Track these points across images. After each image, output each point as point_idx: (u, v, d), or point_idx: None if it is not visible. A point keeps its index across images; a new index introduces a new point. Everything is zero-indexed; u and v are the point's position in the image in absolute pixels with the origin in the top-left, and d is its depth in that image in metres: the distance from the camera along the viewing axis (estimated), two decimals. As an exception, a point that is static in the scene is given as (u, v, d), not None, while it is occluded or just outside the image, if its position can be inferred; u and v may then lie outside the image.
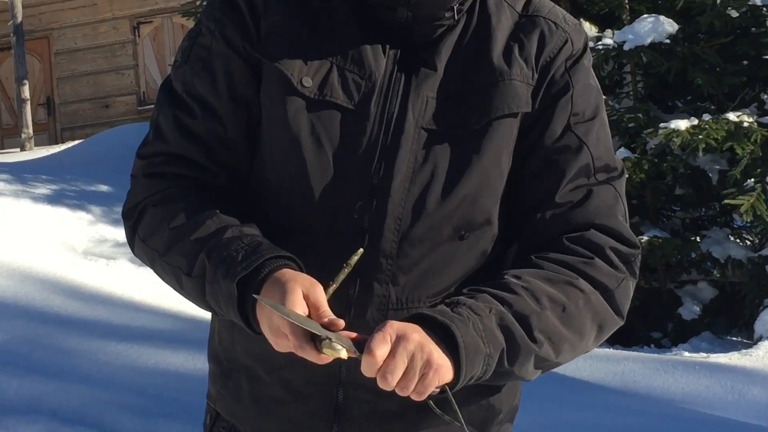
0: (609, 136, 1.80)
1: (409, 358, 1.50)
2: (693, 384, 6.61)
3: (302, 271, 1.61)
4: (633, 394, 6.30)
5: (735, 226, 9.50)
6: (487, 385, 1.70)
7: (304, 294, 1.55)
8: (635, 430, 5.45)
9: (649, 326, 9.04)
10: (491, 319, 1.59)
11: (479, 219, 1.72)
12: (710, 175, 9.12)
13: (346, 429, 1.74)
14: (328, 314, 1.54)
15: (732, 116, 8.81)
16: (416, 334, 1.52)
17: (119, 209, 9.51)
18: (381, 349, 1.49)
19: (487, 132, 1.71)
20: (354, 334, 1.54)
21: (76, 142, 16.09)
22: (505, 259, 1.78)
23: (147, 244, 1.74)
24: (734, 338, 8.79)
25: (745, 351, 7.64)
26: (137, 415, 5.02)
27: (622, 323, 1.75)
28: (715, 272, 9.26)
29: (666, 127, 8.74)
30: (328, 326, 1.52)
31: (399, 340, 1.51)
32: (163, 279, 1.76)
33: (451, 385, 1.56)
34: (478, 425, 1.75)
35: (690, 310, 8.83)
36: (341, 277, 1.61)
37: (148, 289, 7.66)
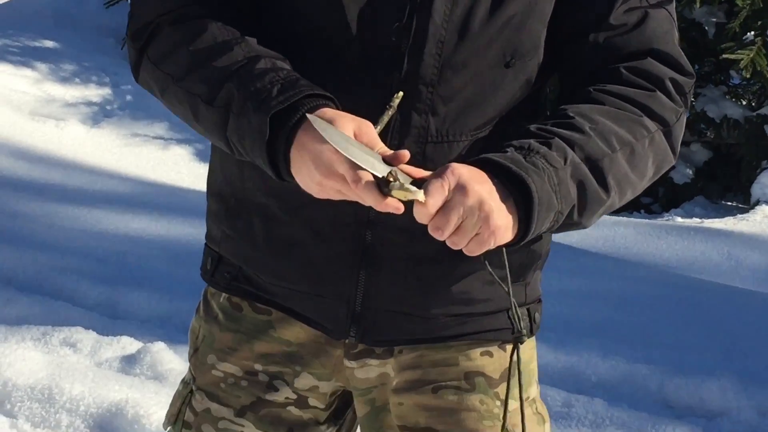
0: None
1: (465, 214, 1.46)
2: (688, 250, 6.66)
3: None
4: (625, 261, 6.35)
5: (732, 83, 9.49)
6: None
7: (355, 132, 1.48)
8: (629, 297, 5.51)
9: (638, 191, 9.07)
10: (566, 171, 1.54)
11: (527, 44, 1.66)
12: (706, 28, 9.05)
13: (375, 274, 1.69)
14: (387, 152, 1.48)
15: (732, -37, 8.73)
16: (479, 187, 1.47)
17: (67, 66, 9.29)
18: (435, 197, 1.45)
19: None
20: (415, 170, 1.48)
21: (15, -5, 15.76)
22: (546, 89, 1.73)
23: (159, 67, 1.64)
24: (729, 203, 8.85)
25: (741, 216, 7.70)
26: (98, 283, 5.00)
27: (674, 163, 1.73)
28: (710, 133, 9.27)
29: (660, -24, 8.63)
30: (392, 159, 1.46)
31: (458, 191, 1.46)
32: (172, 109, 1.68)
33: (514, 242, 1.53)
34: (516, 270, 1.72)
35: (682, 174, 8.85)
36: (385, 118, 1.55)
37: (102, 152, 7.56)
